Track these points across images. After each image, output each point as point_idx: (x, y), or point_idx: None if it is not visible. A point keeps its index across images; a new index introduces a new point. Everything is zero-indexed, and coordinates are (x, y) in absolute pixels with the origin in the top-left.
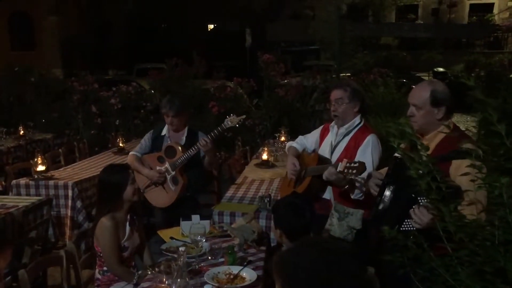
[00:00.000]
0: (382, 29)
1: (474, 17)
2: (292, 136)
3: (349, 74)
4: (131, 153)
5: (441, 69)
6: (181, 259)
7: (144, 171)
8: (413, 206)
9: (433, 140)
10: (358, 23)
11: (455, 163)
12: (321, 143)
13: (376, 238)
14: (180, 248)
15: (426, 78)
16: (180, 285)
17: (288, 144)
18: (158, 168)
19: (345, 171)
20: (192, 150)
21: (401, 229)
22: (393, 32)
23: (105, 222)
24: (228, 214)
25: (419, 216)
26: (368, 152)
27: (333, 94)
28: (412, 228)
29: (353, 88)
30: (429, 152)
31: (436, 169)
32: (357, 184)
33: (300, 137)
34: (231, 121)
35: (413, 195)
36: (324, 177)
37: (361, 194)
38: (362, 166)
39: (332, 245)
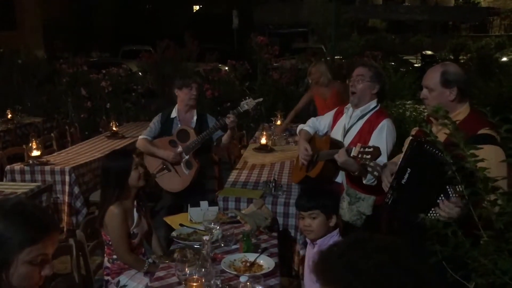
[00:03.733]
0: (376, 11)
1: (461, 0)
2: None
3: (340, 57)
4: (141, 137)
5: (429, 52)
6: (206, 248)
7: (159, 152)
8: (441, 196)
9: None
10: (348, 5)
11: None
12: (333, 126)
13: (387, 223)
14: (205, 237)
15: (414, 61)
16: (204, 274)
17: (299, 127)
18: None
19: (359, 156)
20: (206, 133)
21: (428, 216)
22: (388, 15)
23: (114, 210)
24: (233, 200)
25: (448, 209)
26: (382, 137)
27: (356, 70)
28: (438, 216)
29: (377, 70)
30: (445, 138)
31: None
32: (368, 169)
33: (313, 119)
34: (247, 104)
35: (441, 183)
36: (336, 157)
37: (374, 179)
38: (377, 151)
39: (389, 243)
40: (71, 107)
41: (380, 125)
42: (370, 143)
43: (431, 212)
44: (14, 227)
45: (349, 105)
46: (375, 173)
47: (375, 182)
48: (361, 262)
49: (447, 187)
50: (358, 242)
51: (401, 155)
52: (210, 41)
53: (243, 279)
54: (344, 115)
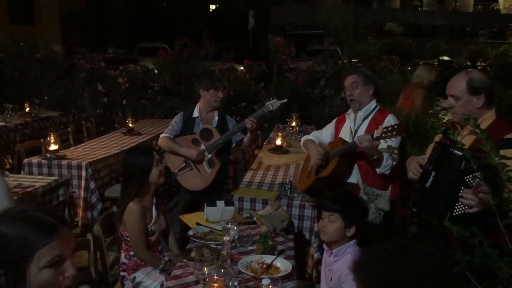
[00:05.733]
0: (395, 14)
1: (479, 6)
2: (302, 122)
3: (356, 60)
4: (162, 135)
5: (446, 58)
6: (226, 248)
7: (182, 150)
8: (461, 188)
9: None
10: (367, 8)
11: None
12: (337, 135)
13: (402, 219)
14: (225, 238)
15: None
16: (223, 274)
17: (303, 138)
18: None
19: (383, 135)
20: (229, 133)
21: (454, 214)
22: (407, 19)
23: (133, 206)
24: (248, 200)
25: (472, 197)
26: None
27: (347, 80)
28: (464, 211)
29: (365, 73)
30: (471, 143)
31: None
32: (388, 157)
33: (315, 132)
34: (272, 104)
35: (460, 177)
36: (357, 142)
37: (388, 167)
38: (400, 127)
39: (431, 256)
40: (87, 102)
41: (386, 119)
42: None
43: (456, 208)
44: (22, 232)
45: (349, 111)
46: (393, 155)
47: (389, 171)
48: (399, 270)
49: (465, 177)
50: (400, 250)
51: (423, 158)
52: (226, 41)
53: (265, 282)
54: (347, 120)
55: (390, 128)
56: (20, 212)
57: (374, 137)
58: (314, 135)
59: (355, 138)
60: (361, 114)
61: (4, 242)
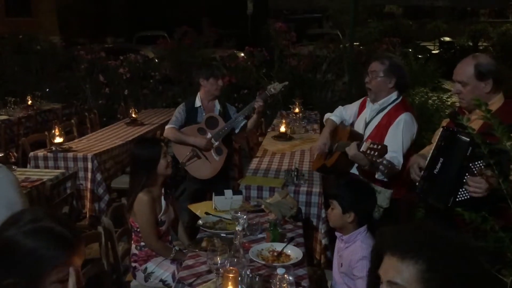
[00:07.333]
0: None
1: None
2: (305, 108)
3: (358, 43)
4: (168, 126)
5: (447, 39)
6: (238, 238)
7: (190, 139)
8: (466, 174)
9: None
10: None
11: None
12: (358, 116)
13: (406, 216)
14: (237, 228)
15: (432, 47)
16: (236, 263)
17: (326, 115)
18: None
19: (368, 152)
20: (233, 119)
21: (457, 200)
22: (408, 1)
23: (142, 197)
24: (255, 188)
25: (477, 184)
26: (398, 133)
27: (370, 65)
28: (468, 197)
29: (392, 63)
30: (478, 128)
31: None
32: (380, 167)
33: (340, 108)
34: (273, 88)
35: (465, 162)
36: (347, 149)
37: (385, 177)
38: (384, 149)
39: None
40: (89, 94)
41: (397, 119)
42: (386, 138)
43: (459, 193)
44: (40, 246)
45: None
46: (385, 170)
47: (386, 179)
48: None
49: (470, 164)
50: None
51: (431, 146)
52: (225, 27)
53: (280, 271)
54: (366, 108)
55: (375, 147)
56: (36, 220)
57: (361, 150)
58: (338, 113)
59: (346, 150)
60: (376, 106)
61: (21, 253)
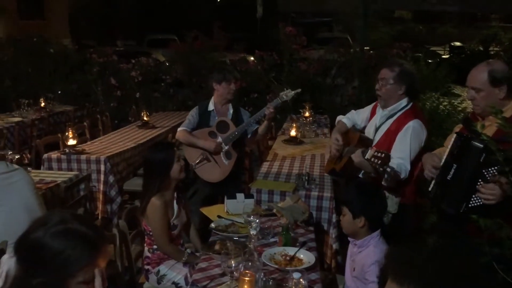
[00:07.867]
0: (406, 1)
1: None
2: (315, 112)
3: (368, 48)
4: (180, 129)
5: (458, 44)
6: (253, 241)
7: (200, 142)
8: (479, 181)
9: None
10: None
11: None
12: (369, 121)
13: (415, 222)
14: (251, 231)
15: (442, 52)
16: (251, 267)
17: (338, 118)
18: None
19: (372, 159)
20: (244, 124)
21: (470, 206)
22: (419, 5)
23: (155, 201)
24: (266, 192)
25: (490, 191)
26: (406, 140)
27: (380, 72)
28: (480, 203)
29: (402, 70)
30: (492, 134)
31: None
32: (385, 175)
33: (352, 112)
34: (286, 95)
35: (478, 169)
36: (352, 155)
37: (390, 184)
38: (387, 158)
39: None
40: (101, 96)
41: (406, 126)
42: (394, 145)
43: (472, 200)
44: (68, 248)
45: None
46: (388, 178)
47: (392, 185)
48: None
49: (483, 170)
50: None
51: (444, 150)
52: (235, 31)
53: (296, 275)
54: (376, 113)
55: (379, 155)
56: (63, 222)
57: (365, 157)
58: (350, 116)
59: (352, 156)
60: (386, 112)
61: (50, 254)
